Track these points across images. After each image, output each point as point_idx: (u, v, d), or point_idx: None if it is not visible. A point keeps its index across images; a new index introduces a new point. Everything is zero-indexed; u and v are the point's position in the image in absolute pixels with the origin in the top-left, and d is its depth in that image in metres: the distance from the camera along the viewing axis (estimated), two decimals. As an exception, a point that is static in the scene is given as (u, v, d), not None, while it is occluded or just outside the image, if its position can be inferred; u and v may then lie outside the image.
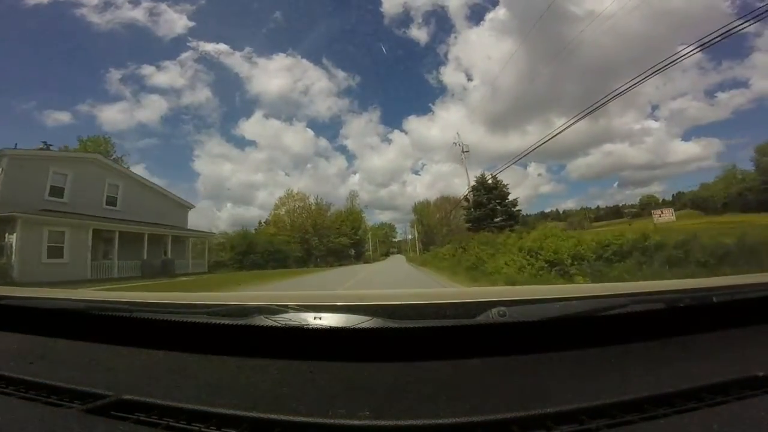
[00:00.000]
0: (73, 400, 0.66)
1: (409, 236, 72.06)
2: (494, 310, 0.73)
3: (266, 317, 0.77)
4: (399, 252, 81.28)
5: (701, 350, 0.75)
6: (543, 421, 0.55)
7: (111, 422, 0.60)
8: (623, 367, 0.69)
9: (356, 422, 0.56)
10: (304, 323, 0.76)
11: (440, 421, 0.55)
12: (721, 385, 0.62)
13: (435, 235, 48.55)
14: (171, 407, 0.61)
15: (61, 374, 0.74)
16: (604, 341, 0.74)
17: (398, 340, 0.74)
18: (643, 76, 11.89)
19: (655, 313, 0.79)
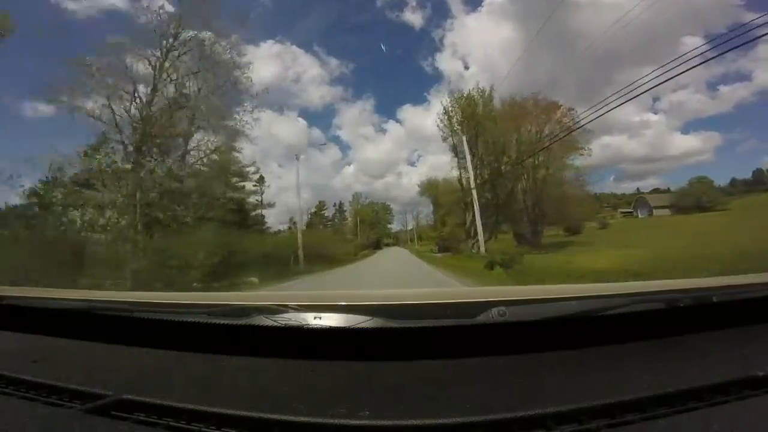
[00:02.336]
0: (73, 400, 0.66)
1: (410, 226, 59.16)
2: (494, 310, 0.73)
3: (266, 317, 0.77)
4: (396, 243, 65.09)
5: (701, 350, 0.75)
6: (543, 421, 0.55)
7: (111, 422, 0.60)
8: (623, 367, 0.69)
9: (356, 422, 0.56)
10: (304, 323, 0.76)
11: (440, 421, 0.55)
12: (721, 385, 0.61)
13: (509, 179, 20.84)
14: (171, 407, 0.61)
15: (61, 374, 0.74)
16: (604, 341, 0.74)
17: (398, 340, 0.74)
18: (652, 77, 11.17)
19: (655, 313, 0.79)
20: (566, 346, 0.72)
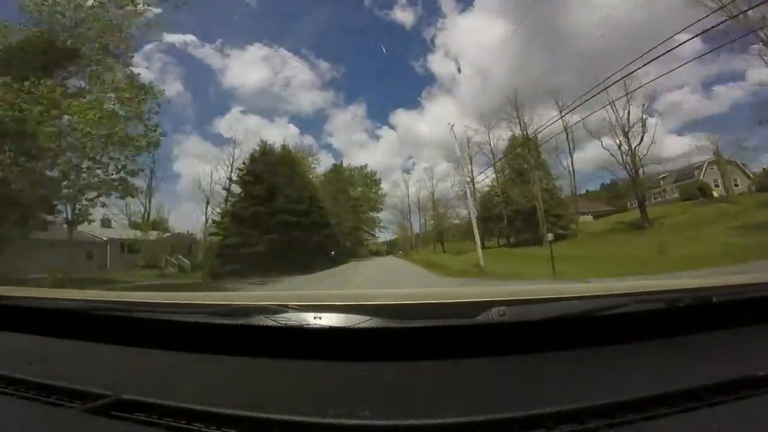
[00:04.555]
0: (73, 400, 0.66)
1: (415, 227, 48.01)
2: (494, 310, 0.73)
3: (266, 317, 0.77)
4: (390, 252, 55.68)
5: (701, 350, 0.75)
6: (543, 421, 0.55)
7: (111, 422, 0.60)
8: (623, 367, 0.69)
9: (356, 422, 0.56)
10: (304, 323, 0.76)
11: (440, 421, 0.55)
12: (721, 385, 0.62)
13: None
14: (171, 407, 0.61)
15: (61, 374, 0.74)
16: (604, 341, 0.74)
17: (398, 340, 0.74)
18: (641, 63, 11.03)
19: (655, 313, 0.79)
20: (566, 346, 0.72)
